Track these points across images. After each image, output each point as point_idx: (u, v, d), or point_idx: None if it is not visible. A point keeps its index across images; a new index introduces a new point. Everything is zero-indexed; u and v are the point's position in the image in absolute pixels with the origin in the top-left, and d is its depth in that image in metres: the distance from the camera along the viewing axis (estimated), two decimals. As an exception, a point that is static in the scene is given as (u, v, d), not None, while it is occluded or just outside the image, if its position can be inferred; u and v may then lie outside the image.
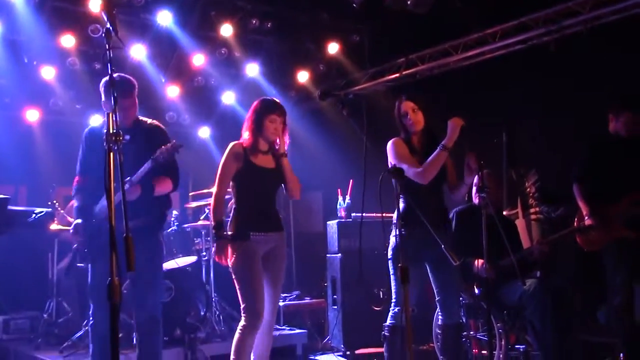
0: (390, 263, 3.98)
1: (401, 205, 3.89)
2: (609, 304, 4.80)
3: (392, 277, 3.97)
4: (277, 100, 4.08)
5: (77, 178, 4.07)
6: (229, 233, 3.89)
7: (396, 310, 3.94)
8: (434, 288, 4.02)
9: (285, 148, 4.05)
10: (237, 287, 3.87)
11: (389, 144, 3.98)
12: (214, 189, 3.99)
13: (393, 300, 3.97)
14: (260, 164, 3.97)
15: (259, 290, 3.83)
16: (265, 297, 3.90)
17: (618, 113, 4.71)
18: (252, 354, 3.89)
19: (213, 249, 6.00)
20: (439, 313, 4.07)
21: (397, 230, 3.88)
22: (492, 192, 4.54)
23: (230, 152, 3.95)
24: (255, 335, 3.83)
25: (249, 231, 3.87)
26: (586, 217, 4.60)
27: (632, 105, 4.67)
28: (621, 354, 4.64)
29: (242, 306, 3.82)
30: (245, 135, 4.00)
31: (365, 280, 5.47)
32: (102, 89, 3.95)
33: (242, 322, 3.82)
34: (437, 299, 4.03)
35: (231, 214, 3.98)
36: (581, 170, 4.76)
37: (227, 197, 4.13)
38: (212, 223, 3.95)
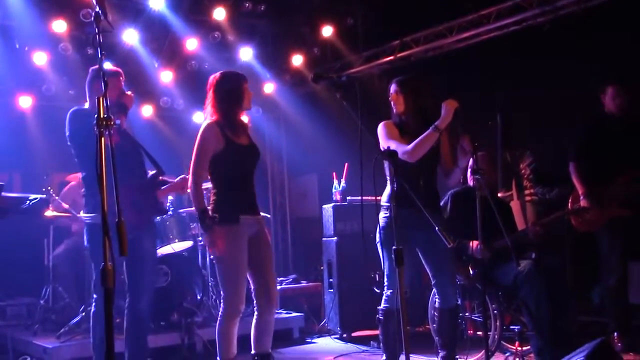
0: (379, 246, 3.98)
1: (388, 188, 3.93)
2: (603, 284, 4.84)
3: (382, 259, 3.98)
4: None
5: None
6: (216, 216, 3.62)
7: (389, 293, 3.96)
8: (429, 271, 4.03)
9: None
10: (217, 272, 3.71)
11: (379, 126, 4.00)
12: (189, 176, 3.68)
13: (385, 283, 3.99)
14: (240, 141, 3.77)
15: (241, 280, 3.65)
16: (261, 281, 3.77)
17: (604, 91, 4.77)
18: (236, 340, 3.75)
19: (204, 239, 6.04)
20: (435, 296, 4.09)
21: (386, 211, 3.90)
22: (487, 174, 4.54)
23: (208, 133, 3.67)
24: (236, 323, 3.68)
25: (239, 214, 3.67)
26: (582, 198, 4.62)
27: (614, 78, 4.72)
28: (615, 334, 4.68)
29: (222, 295, 3.70)
30: (218, 113, 3.74)
31: (362, 263, 5.48)
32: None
33: (220, 311, 3.69)
34: (433, 282, 4.04)
35: (212, 199, 3.72)
36: (577, 150, 4.79)
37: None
38: (197, 212, 3.64)
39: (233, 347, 3.72)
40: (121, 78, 4.09)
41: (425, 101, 4.01)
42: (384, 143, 3.92)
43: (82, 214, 4.09)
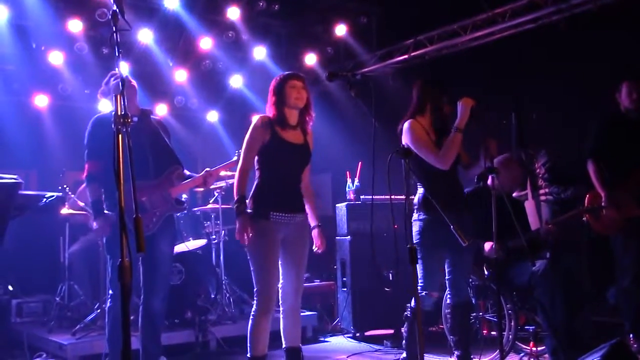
0: (417, 247, 3.97)
1: (420, 190, 3.95)
2: (618, 285, 4.80)
3: (419, 262, 3.95)
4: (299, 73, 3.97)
5: (87, 164, 4.07)
6: (249, 211, 3.71)
7: (423, 294, 3.95)
8: (446, 267, 4.03)
9: (310, 119, 3.94)
10: (251, 268, 3.75)
11: (407, 126, 3.96)
12: (239, 163, 3.82)
13: (420, 284, 3.95)
14: (289, 138, 3.81)
15: (273, 274, 3.71)
16: (288, 281, 3.81)
17: (620, 87, 4.74)
18: (268, 337, 3.80)
19: (223, 230, 6.08)
20: (448, 293, 4.08)
21: (421, 214, 3.91)
22: (509, 176, 4.61)
23: (257, 124, 3.78)
24: (269, 318, 3.73)
25: (270, 210, 3.70)
26: (604, 202, 4.58)
27: (628, 74, 4.69)
28: (630, 335, 4.64)
29: (254, 289, 3.73)
30: (270, 110, 3.84)
31: (375, 263, 5.48)
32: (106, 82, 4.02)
33: (254, 307, 3.73)
34: (447, 277, 4.04)
35: (252, 190, 3.81)
36: (595, 148, 4.74)
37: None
38: (235, 197, 3.71)
39: (263, 344, 3.75)
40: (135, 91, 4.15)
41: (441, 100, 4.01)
42: (412, 145, 3.87)
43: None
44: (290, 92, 3.80)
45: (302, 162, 3.90)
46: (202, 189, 6.63)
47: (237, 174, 3.77)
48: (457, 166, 4.06)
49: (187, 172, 4.32)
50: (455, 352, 4.10)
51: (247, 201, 3.72)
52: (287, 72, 3.92)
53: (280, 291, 3.85)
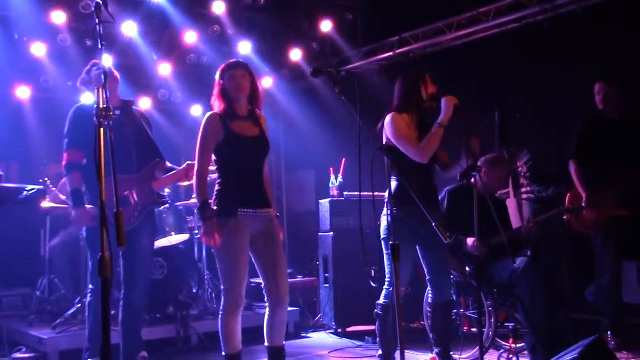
0: (383, 242, 4.00)
1: (393, 183, 3.92)
2: (597, 283, 4.86)
3: (385, 256, 3.99)
4: (238, 60, 3.86)
5: (67, 153, 4.04)
6: (214, 208, 3.60)
7: (390, 289, 3.97)
8: (424, 266, 4.05)
9: (260, 107, 3.82)
10: (217, 265, 3.68)
11: (388, 119, 3.95)
12: (195, 166, 3.69)
13: (387, 279, 4.00)
14: (243, 131, 3.69)
15: (241, 271, 3.61)
16: (269, 278, 3.72)
17: (595, 88, 4.81)
18: (238, 334, 3.72)
19: (201, 230, 6.05)
20: (429, 291, 4.10)
21: (389, 209, 3.90)
22: (496, 175, 4.70)
23: (207, 122, 3.66)
24: (238, 316, 3.65)
25: (237, 207, 3.61)
26: (584, 204, 4.63)
27: (602, 76, 4.76)
28: (608, 332, 4.71)
29: (221, 287, 3.67)
30: (216, 104, 3.74)
31: (357, 259, 5.49)
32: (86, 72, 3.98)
33: (222, 305, 3.65)
34: (427, 277, 4.06)
35: (216, 190, 3.70)
36: (578, 146, 4.79)
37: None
38: (197, 203, 3.64)
39: (236, 341, 3.68)
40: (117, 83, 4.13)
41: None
42: (392, 138, 3.89)
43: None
44: (229, 83, 3.70)
45: (261, 153, 3.78)
46: (185, 183, 6.61)
47: (195, 178, 3.65)
48: (434, 165, 4.07)
49: (168, 165, 4.29)
50: (435, 349, 4.13)
51: (210, 203, 3.62)
52: (226, 62, 3.80)
53: (264, 293, 3.79)
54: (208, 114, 3.73)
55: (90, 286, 4.05)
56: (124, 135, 4.00)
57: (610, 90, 4.78)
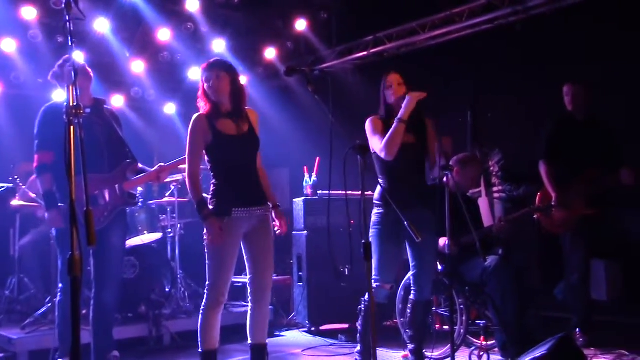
0: (372, 240, 4.03)
1: (380, 182, 4.00)
2: (566, 281, 4.95)
3: (374, 254, 4.00)
4: (216, 59, 3.83)
5: (38, 155, 3.98)
6: (210, 208, 3.62)
7: (375, 286, 3.99)
8: (411, 263, 4.09)
9: (244, 105, 3.79)
10: (207, 261, 3.68)
11: (367, 122, 4.03)
12: (185, 168, 3.70)
13: (374, 277, 4.01)
14: (230, 131, 3.69)
15: (228, 269, 3.65)
16: (256, 276, 3.77)
17: (564, 90, 4.89)
18: (216, 332, 3.74)
19: (179, 224, 6.04)
20: (412, 288, 4.13)
21: (378, 208, 3.97)
22: (469, 175, 4.72)
23: (194, 125, 3.66)
24: (219, 313, 3.69)
25: (231, 207, 3.63)
26: (554, 203, 4.71)
27: (572, 77, 4.86)
28: (577, 329, 4.79)
29: (206, 282, 3.69)
30: (201, 104, 3.73)
31: (332, 258, 5.50)
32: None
33: (204, 301, 3.68)
34: (412, 272, 4.09)
35: (211, 190, 3.71)
36: (548, 147, 4.87)
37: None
38: (195, 204, 3.63)
39: (214, 339, 3.70)
40: (90, 80, 4.09)
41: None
42: (370, 140, 3.96)
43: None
44: (207, 85, 3.70)
45: (251, 150, 3.78)
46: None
47: (187, 180, 3.66)
48: (423, 162, 4.09)
49: (140, 166, 4.26)
50: (409, 346, 4.17)
51: (207, 202, 3.64)
52: (206, 62, 3.78)
53: (248, 287, 3.82)
54: (195, 115, 3.73)
55: (60, 285, 4.01)
56: (95, 135, 3.96)
57: (578, 92, 4.87)
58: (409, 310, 4.18)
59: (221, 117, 3.70)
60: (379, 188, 4.03)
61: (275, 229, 3.87)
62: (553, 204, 4.73)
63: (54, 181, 3.97)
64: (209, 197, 3.72)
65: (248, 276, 3.83)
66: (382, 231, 3.98)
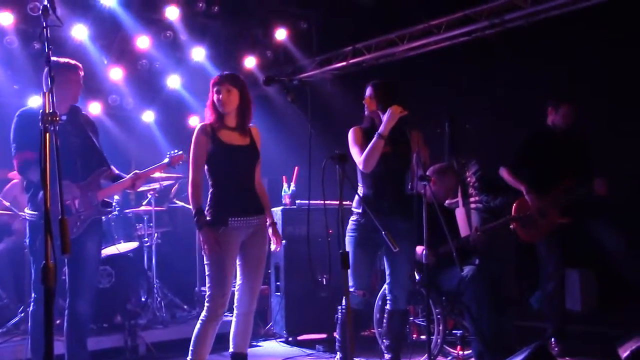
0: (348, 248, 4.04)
1: (360, 192, 4.03)
2: (542, 291, 4.99)
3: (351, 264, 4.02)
4: (228, 73, 3.87)
5: (19, 156, 3.88)
6: (208, 219, 3.68)
7: (353, 294, 4.00)
8: (386, 272, 4.11)
9: (248, 122, 3.86)
10: (206, 272, 3.69)
11: (349, 132, 4.07)
12: (189, 177, 3.75)
13: (350, 284, 4.01)
14: (232, 141, 3.76)
15: (228, 280, 3.67)
16: (246, 285, 3.79)
17: (558, 106, 4.93)
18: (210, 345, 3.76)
19: (156, 233, 5.99)
20: (387, 298, 4.14)
21: (355, 216, 3.99)
22: (444, 185, 4.79)
23: (198, 134, 3.73)
24: (217, 325, 3.70)
25: (228, 217, 3.67)
26: (525, 193, 4.77)
27: (571, 97, 4.92)
28: (552, 339, 4.83)
29: (207, 293, 3.68)
30: (207, 113, 3.82)
31: (310, 267, 5.50)
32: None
33: (204, 312, 3.68)
34: (387, 281, 4.11)
35: (209, 199, 3.76)
36: (515, 157, 4.96)
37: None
38: (193, 211, 3.68)
39: (206, 350, 3.71)
40: (80, 72, 4.02)
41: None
42: (350, 150, 3.99)
43: (25, 211, 3.98)
44: (216, 97, 3.77)
45: (250, 163, 3.84)
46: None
47: (189, 188, 3.71)
48: (405, 173, 4.11)
49: (116, 171, 4.21)
50: (386, 356, 4.17)
51: (204, 212, 3.68)
52: (217, 75, 3.84)
53: (236, 294, 3.83)
54: (198, 125, 3.79)
55: (33, 295, 3.94)
56: (70, 143, 3.91)
57: (571, 112, 4.90)
58: (385, 320, 4.19)
59: (224, 128, 3.77)
60: (357, 196, 4.06)
61: (273, 245, 3.92)
62: (524, 191, 4.78)
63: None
64: (207, 205, 3.74)
65: (237, 282, 3.84)
66: (357, 238, 4.01)
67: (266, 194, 3.96)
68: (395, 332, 4.15)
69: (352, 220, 4.07)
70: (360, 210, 4.01)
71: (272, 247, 3.91)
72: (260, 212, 3.85)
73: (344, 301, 4.05)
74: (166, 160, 4.40)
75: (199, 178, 3.74)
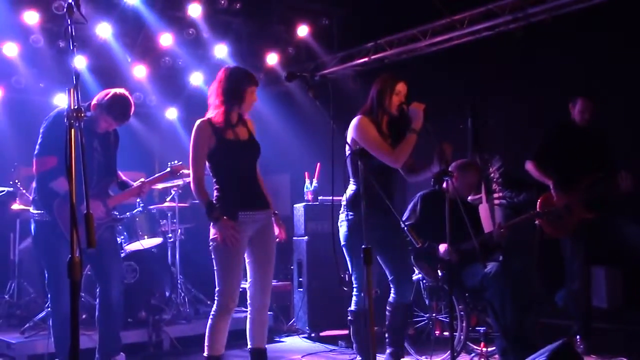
0: (344, 249, 4.01)
1: (352, 188, 3.97)
2: (567, 288, 4.94)
3: (349, 262, 4.01)
4: (251, 73, 3.87)
5: (42, 160, 3.93)
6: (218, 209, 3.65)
7: (360, 295, 3.98)
8: (387, 268, 4.07)
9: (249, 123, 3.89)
10: (215, 267, 3.69)
11: (355, 122, 3.94)
12: (190, 174, 3.74)
13: (355, 285, 4.01)
14: (233, 137, 3.74)
15: (237, 274, 3.68)
16: (256, 280, 3.78)
17: (574, 101, 4.88)
18: (224, 338, 3.76)
19: (179, 229, 6.04)
20: (392, 291, 4.11)
21: (351, 212, 3.93)
22: (466, 181, 4.71)
23: (198, 131, 3.69)
24: (228, 319, 3.70)
25: (237, 211, 3.66)
26: (552, 188, 4.72)
27: (585, 91, 4.86)
28: (577, 336, 4.78)
29: (216, 289, 3.69)
30: (216, 106, 3.73)
31: (332, 263, 5.49)
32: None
33: (214, 307, 3.69)
34: (390, 278, 4.08)
35: (214, 195, 3.74)
36: (538, 151, 4.91)
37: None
38: (203, 206, 3.66)
39: (221, 344, 3.72)
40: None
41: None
42: (362, 143, 3.87)
43: (31, 211, 4.06)
44: (250, 98, 3.77)
45: (253, 156, 3.84)
46: (159, 187, 6.58)
47: (192, 185, 3.69)
48: (396, 170, 4.07)
49: (123, 177, 4.36)
50: (388, 349, 4.15)
51: (215, 204, 3.66)
52: (244, 74, 3.79)
53: (248, 291, 3.83)
54: (198, 122, 3.76)
55: (50, 295, 4.04)
56: (94, 161, 4.03)
57: (587, 107, 4.84)
58: (387, 314, 4.15)
59: (227, 125, 3.74)
60: (350, 190, 4.00)
61: (276, 235, 3.90)
62: (552, 188, 4.73)
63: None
64: (215, 202, 3.72)
65: (248, 280, 3.84)
66: (357, 238, 3.89)
67: (264, 187, 3.93)
68: (401, 325, 4.13)
69: (347, 219, 3.96)
70: (354, 206, 3.87)
71: (277, 238, 3.89)
72: (266, 207, 3.84)
73: (352, 304, 4.04)
74: (168, 169, 4.52)
75: (202, 174, 3.72)
